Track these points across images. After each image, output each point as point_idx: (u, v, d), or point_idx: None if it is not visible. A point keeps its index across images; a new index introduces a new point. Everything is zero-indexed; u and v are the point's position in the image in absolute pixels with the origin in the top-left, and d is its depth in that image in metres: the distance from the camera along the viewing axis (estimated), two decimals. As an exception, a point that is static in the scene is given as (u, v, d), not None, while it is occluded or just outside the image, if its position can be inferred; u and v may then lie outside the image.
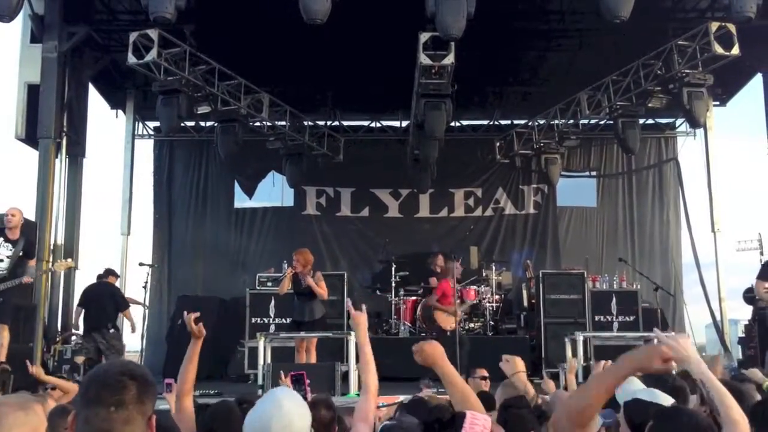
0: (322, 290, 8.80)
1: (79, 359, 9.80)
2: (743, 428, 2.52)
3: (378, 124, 15.60)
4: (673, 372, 2.97)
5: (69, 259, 8.78)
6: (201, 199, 15.05)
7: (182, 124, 12.97)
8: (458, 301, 10.27)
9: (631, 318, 10.94)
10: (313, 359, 8.86)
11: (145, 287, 10.37)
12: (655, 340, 2.65)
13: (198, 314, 3.83)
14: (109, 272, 10.65)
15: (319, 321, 8.97)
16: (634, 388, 2.91)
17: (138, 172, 15.00)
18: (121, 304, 10.22)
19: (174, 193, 15.11)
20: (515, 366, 4.08)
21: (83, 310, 10.22)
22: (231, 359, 11.49)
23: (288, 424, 2.33)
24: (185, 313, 3.87)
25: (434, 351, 2.91)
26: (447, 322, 10.17)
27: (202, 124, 14.74)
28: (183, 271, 14.52)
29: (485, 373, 5.52)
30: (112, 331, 10.08)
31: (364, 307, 3.67)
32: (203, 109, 11.78)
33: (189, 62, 10.78)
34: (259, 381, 8.15)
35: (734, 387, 3.07)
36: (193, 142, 15.19)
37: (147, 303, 10.91)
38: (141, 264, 10.99)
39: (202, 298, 12.81)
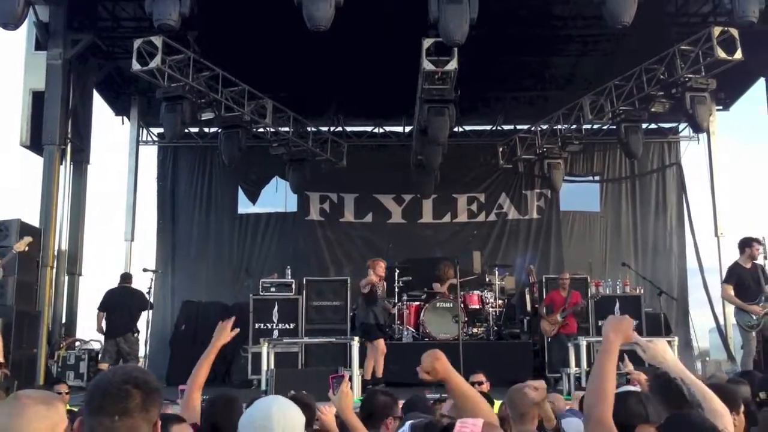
0: None
1: (103, 366, 9.77)
2: (727, 418, 2.66)
3: (381, 130, 15.62)
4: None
5: (26, 237, 8.76)
6: (205, 205, 15.07)
7: (186, 131, 12.97)
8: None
9: (636, 323, 10.89)
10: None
11: (149, 293, 10.39)
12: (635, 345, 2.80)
13: (234, 318, 3.85)
14: (129, 276, 10.83)
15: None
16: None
17: (142, 179, 15.09)
18: (147, 303, 10.36)
19: (178, 199, 15.13)
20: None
21: (105, 314, 10.30)
22: (234, 364, 11.49)
23: (287, 423, 2.39)
24: (221, 321, 3.89)
25: (445, 367, 2.77)
26: (549, 329, 10.71)
27: (206, 130, 14.78)
28: (187, 277, 14.52)
29: (481, 378, 5.52)
30: (136, 335, 10.21)
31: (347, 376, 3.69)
32: (207, 116, 11.82)
33: (193, 69, 10.81)
34: (263, 386, 8.17)
35: (730, 389, 3.18)
36: (196, 148, 15.23)
37: (152, 309, 10.94)
38: (145, 270, 11.02)
39: (206, 304, 12.84)
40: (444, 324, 11.04)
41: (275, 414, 2.49)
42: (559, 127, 13.70)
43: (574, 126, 13.40)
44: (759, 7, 9.26)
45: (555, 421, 3.61)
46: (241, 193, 15.28)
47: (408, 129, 14.72)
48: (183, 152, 15.34)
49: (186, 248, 14.86)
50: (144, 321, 10.51)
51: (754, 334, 8.81)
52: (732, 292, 8.91)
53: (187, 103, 10.95)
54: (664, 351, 2.85)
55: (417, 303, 11.69)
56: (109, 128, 15.40)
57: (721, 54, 10.17)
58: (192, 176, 15.19)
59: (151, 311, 10.52)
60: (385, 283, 9.76)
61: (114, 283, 10.85)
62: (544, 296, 11.26)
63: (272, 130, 13.08)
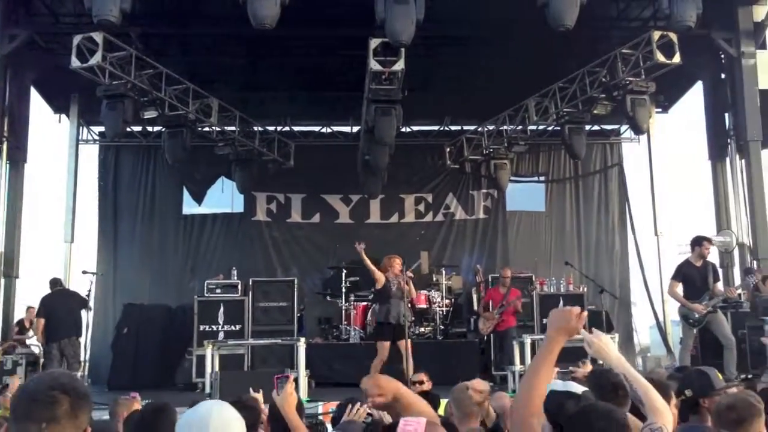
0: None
1: None
2: (666, 416, 2.67)
3: (329, 130, 15.57)
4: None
5: None
6: (148, 205, 14.77)
7: (128, 129, 12.73)
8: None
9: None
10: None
11: (88, 295, 10.15)
12: (584, 339, 2.79)
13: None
14: (59, 280, 10.67)
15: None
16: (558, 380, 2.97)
17: (82, 178, 14.69)
18: (86, 303, 10.17)
19: (120, 200, 14.79)
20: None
21: (45, 321, 10.06)
22: (178, 368, 11.29)
23: (226, 428, 2.35)
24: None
25: (394, 386, 2.64)
26: (484, 327, 10.79)
27: (149, 129, 14.48)
28: (129, 279, 14.22)
29: (422, 378, 5.54)
30: (79, 339, 10.02)
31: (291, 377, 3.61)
32: (150, 114, 11.60)
33: (135, 66, 10.59)
34: (207, 389, 8.04)
35: (663, 384, 3.24)
36: (139, 147, 14.92)
37: (91, 312, 10.69)
38: (84, 272, 10.75)
39: (149, 307, 12.58)
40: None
41: (214, 418, 2.45)
42: (505, 127, 13.90)
43: (519, 127, 13.61)
44: (696, 12, 9.53)
45: (495, 417, 3.64)
46: (186, 194, 15.02)
47: (356, 129, 14.70)
48: (125, 152, 15.01)
49: (128, 250, 14.54)
50: (84, 324, 10.27)
51: (695, 330, 9.06)
52: (677, 289, 9.15)
53: (129, 102, 10.73)
54: (607, 347, 2.85)
55: (364, 303, 11.69)
56: (48, 126, 14.95)
57: (661, 58, 10.43)
58: (135, 176, 14.87)
59: (90, 314, 10.31)
60: (402, 281, 9.17)
61: (52, 286, 10.59)
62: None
63: (218, 129, 12.92)
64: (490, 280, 12.01)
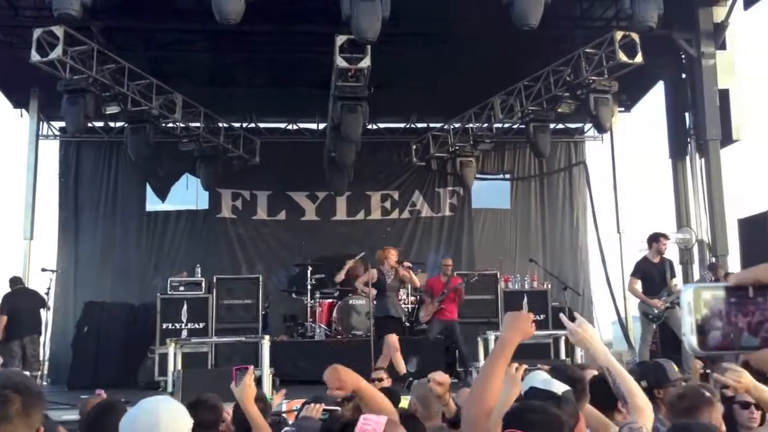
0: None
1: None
2: (648, 414, 2.64)
3: (295, 126, 15.49)
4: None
5: None
6: (110, 202, 14.55)
7: (90, 125, 12.53)
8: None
9: (542, 317, 11.25)
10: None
11: (47, 293, 10.00)
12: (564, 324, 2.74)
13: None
14: (19, 279, 10.50)
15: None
16: (541, 378, 2.98)
17: (43, 174, 14.39)
18: (45, 302, 10.12)
19: (81, 196, 14.54)
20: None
21: (6, 318, 9.92)
22: (140, 366, 11.17)
23: (174, 423, 2.32)
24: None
25: (351, 378, 2.72)
26: (423, 314, 10.72)
27: (112, 124, 14.27)
28: (91, 277, 13.99)
29: (381, 375, 5.55)
30: (41, 338, 9.93)
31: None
32: (112, 110, 11.42)
33: (97, 60, 10.41)
34: (169, 388, 7.95)
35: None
36: (101, 143, 14.68)
37: (51, 309, 10.55)
38: (44, 269, 10.60)
39: (111, 304, 12.41)
40: (356, 321, 11.06)
41: (163, 415, 2.40)
42: (471, 125, 13.97)
43: (485, 125, 13.69)
44: (658, 12, 9.66)
45: (456, 410, 3.67)
46: (149, 190, 14.83)
47: (322, 126, 14.66)
48: (87, 147, 14.76)
49: (90, 247, 14.31)
50: (43, 323, 10.13)
51: (654, 325, 9.23)
52: (637, 286, 9.32)
53: (91, 97, 10.55)
54: (592, 338, 2.76)
55: (330, 300, 11.67)
56: (8, 122, 14.64)
57: (623, 57, 10.56)
58: (97, 172, 14.63)
59: (50, 312, 10.18)
60: (398, 271, 9.25)
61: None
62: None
63: (182, 125, 12.78)
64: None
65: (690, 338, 0.90)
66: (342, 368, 2.73)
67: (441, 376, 3.69)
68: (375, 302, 9.50)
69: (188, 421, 2.44)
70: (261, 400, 3.76)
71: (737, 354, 0.90)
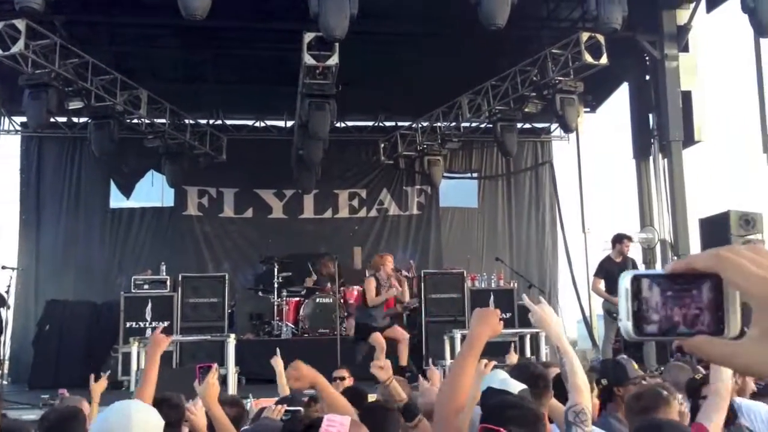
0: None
1: None
2: (585, 395, 2.71)
3: (262, 124, 15.39)
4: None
5: None
6: (73, 198, 14.30)
7: (52, 120, 12.31)
8: None
9: (508, 315, 11.31)
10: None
11: (7, 292, 9.78)
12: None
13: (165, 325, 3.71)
14: None
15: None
16: (498, 378, 3.01)
17: (3, 170, 14.12)
18: (5, 301, 9.81)
19: (43, 193, 14.27)
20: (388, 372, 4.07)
21: None
22: (103, 366, 10.97)
23: (145, 426, 2.31)
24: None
25: (309, 373, 2.85)
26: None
27: (75, 120, 14.03)
28: (52, 275, 13.73)
29: (343, 374, 5.55)
30: (2, 336, 9.67)
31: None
32: (75, 105, 11.25)
33: (60, 55, 10.24)
34: (132, 388, 7.85)
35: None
36: (64, 138, 14.41)
37: (11, 308, 10.33)
38: (4, 267, 10.35)
39: (73, 303, 12.19)
40: (323, 319, 11.03)
41: (134, 418, 2.39)
42: (439, 124, 14.03)
43: (453, 124, 13.76)
44: (622, 14, 9.79)
45: (405, 398, 3.70)
46: (113, 187, 14.61)
47: (289, 123, 14.59)
48: (49, 143, 14.48)
49: (52, 244, 14.05)
50: (3, 322, 9.92)
51: (617, 324, 9.36)
52: (600, 285, 9.47)
53: (53, 91, 10.37)
54: (549, 318, 2.92)
55: (297, 299, 11.62)
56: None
57: (589, 58, 10.69)
58: (59, 168, 14.37)
59: (10, 310, 9.96)
60: (394, 281, 9.17)
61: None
62: (422, 290, 11.38)
63: (147, 121, 12.62)
64: (423, 275, 12.08)
65: (626, 324, 0.92)
66: (301, 363, 2.79)
67: (383, 361, 3.79)
68: (360, 306, 9.40)
69: (159, 422, 2.42)
70: (237, 405, 3.71)
71: (672, 339, 0.92)
